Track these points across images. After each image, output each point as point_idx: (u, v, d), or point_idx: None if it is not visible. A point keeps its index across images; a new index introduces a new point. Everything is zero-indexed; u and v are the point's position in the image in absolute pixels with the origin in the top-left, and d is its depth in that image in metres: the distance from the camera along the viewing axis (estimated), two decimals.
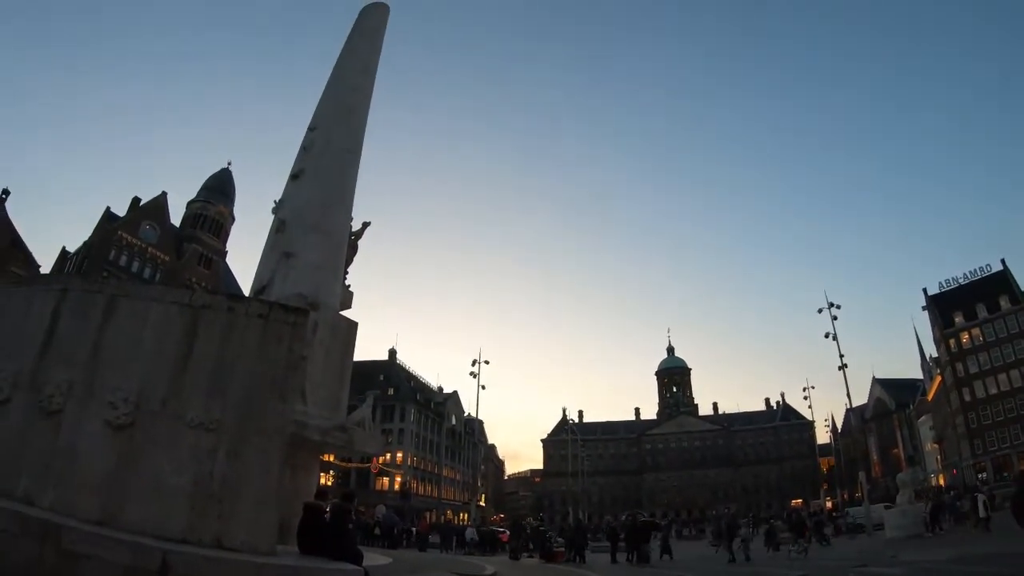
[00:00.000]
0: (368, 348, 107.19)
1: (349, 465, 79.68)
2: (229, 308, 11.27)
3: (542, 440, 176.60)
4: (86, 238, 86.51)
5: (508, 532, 48.47)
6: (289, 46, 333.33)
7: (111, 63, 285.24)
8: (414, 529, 47.72)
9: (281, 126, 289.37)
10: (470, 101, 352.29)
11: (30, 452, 10.92)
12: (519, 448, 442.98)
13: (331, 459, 62.34)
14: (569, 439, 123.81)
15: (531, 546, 38.50)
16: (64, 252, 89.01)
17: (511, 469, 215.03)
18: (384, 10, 21.18)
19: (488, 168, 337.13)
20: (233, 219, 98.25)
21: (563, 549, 34.25)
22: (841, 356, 53.29)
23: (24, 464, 10.90)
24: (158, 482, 9.93)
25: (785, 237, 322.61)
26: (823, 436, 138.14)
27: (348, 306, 17.06)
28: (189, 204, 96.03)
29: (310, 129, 18.78)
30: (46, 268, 72.72)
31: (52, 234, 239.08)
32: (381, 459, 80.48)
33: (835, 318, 53.19)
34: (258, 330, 10.88)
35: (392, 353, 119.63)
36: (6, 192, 71.18)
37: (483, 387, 64.24)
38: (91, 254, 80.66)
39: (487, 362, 64.63)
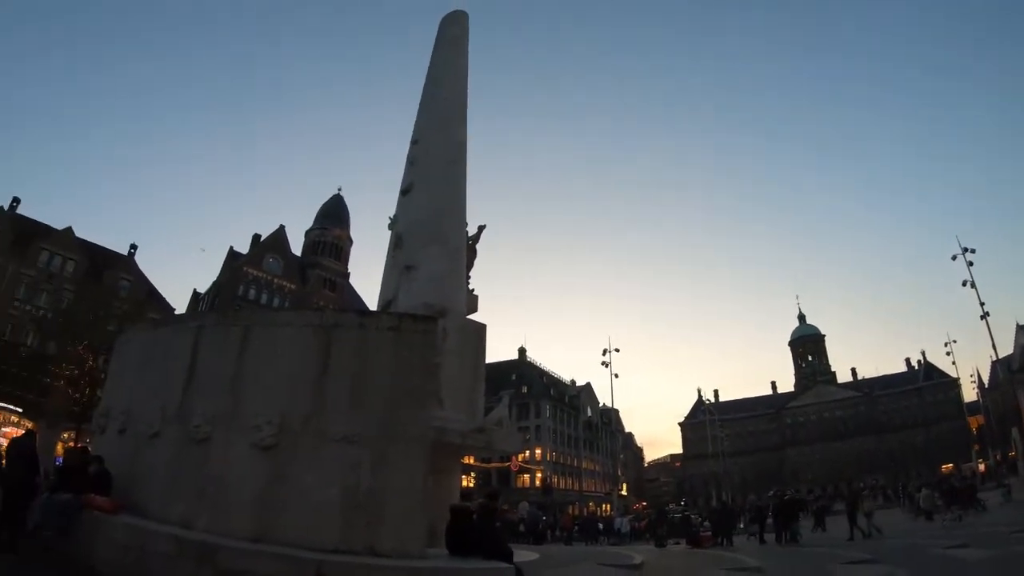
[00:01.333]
0: (498, 349, 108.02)
1: (489, 465, 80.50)
2: (360, 324, 11.64)
3: (679, 423, 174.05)
4: (214, 278, 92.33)
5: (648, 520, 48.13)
6: (382, 60, 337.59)
7: (208, 114, 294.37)
8: (558, 523, 47.83)
9: (386, 141, 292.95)
10: (580, 88, 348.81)
11: (184, 479, 11.56)
12: (657, 434, 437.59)
13: (471, 461, 63.09)
14: (707, 420, 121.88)
15: (665, 531, 38.16)
16: (196, 293, 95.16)
17: (650, 456, 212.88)
18: (463, 18, 21.32)
19: (603, 154, 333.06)
20: (351, 241, 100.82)
21: (709, 533, 33.63)
22: (982, 304, 50.14)
23: (179, 490, 11.56)
24: (307, 496, 10.27)
25: (910, 183, 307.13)
26: (970, 393, 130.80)
27: (474, 310, 17.21)
28: (307, 233, 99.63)
29: (413, 142, 19.11)
30: (180, 311, 76.24)
31: (181, 279, 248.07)
32: (520, 457, 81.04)
33: (971, 264, 50.25)
34: (390, 342, 11.15)
35: (522, 352, 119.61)
36: (134, 247, 78.21)
37: (616, 375, 63.97)
38: (221, 292, 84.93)
39: (617, 350, 64.36)
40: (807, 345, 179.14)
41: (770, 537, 31.38)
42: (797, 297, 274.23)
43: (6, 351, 62.98)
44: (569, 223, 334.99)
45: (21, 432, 54.60)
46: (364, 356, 11.05)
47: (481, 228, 18.88)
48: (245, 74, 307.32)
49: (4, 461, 13.65)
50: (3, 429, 61.45)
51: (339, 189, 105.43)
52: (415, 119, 19.79)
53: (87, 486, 12.30)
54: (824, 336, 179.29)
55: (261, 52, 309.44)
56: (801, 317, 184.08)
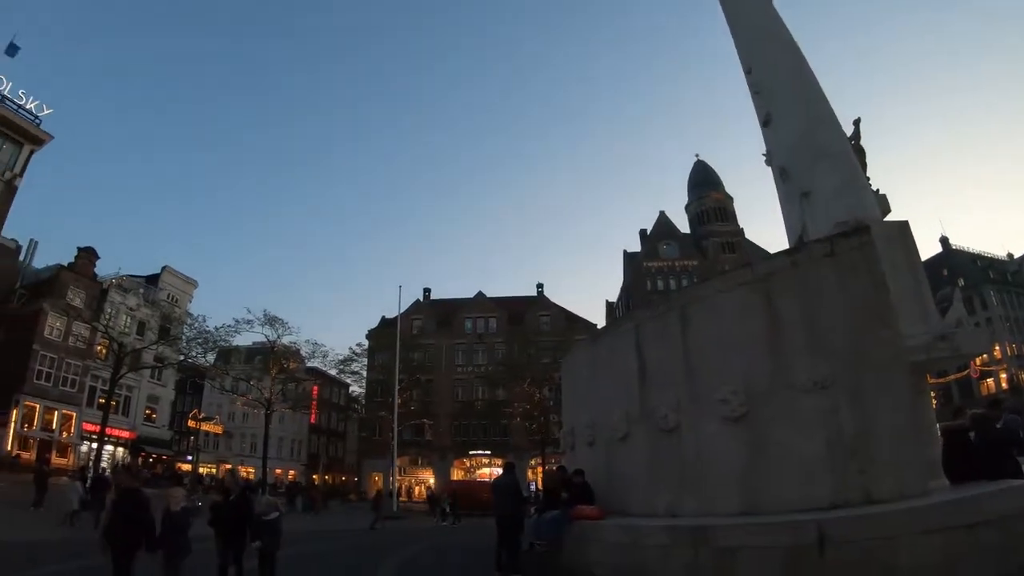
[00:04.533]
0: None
1: (946, 379, 73.40)
2: (793, 263, 10.97)
3: None
4: (620, 285, 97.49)
5: None
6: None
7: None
8: None
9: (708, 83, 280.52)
10: None
11: (661, 471, 11.72)
12: None
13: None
14: None
15: None
16: (608, 304, 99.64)
17: None
18: None
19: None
20: (731, 199, 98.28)
21: None
22: None
23: (659, 483, 11.73)
24: (789, 457, 9.82)
25: None
26: None
27: (888, 210, 15.63)
28: (687, 208, 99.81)
29: (747, 73, 18.26)
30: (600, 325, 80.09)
31: (591, 295, 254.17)
32: (978, 361, 72.92)
33: None
34: (829, 269, 10.46)
35: (944, 241, 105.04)
36: (540, 286, 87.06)
37: None
38: (631, 294, 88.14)
39: None
40: None
41: None
42: None
43: (464, 409, 73.80)
44: (958, 81, 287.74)
45: (493, 473, 61.34)
46: (807, 294, 10.45)
47: (857, 122, 17.29)
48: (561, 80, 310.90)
49: (492, 497, 14.58)
50: (479, 471, 69.27)
51: (696, 155, 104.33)
52: (736, 50, 18.89)
53: (572, 499, 13.00)
54: None
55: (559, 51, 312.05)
56: None
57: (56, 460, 45.25)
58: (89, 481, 26.71)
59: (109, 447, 53.25)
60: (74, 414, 55.64)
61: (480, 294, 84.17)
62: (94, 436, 48.47)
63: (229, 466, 58.92)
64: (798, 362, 10.01)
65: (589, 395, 15.14)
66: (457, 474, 71.61)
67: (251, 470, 71.93)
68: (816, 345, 10.02)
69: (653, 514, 11.51)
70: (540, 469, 57.82)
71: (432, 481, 69.54)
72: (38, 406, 52.51)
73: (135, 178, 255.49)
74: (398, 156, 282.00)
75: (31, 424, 51.93)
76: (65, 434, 54.76)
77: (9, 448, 49.13)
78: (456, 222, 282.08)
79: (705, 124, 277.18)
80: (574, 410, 16.50)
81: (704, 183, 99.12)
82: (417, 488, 71.51)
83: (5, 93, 48.26)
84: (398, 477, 56.83)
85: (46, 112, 50.90)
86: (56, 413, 53.95)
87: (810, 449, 9.67)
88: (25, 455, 48.53)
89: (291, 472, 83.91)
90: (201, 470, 65.59)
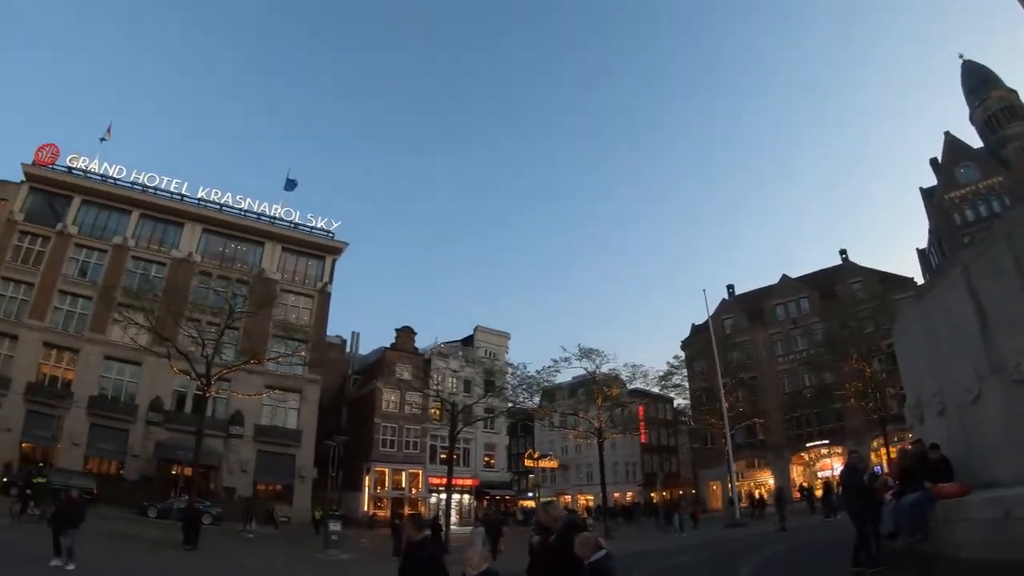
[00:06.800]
0: None
1: None
2: None
3: None
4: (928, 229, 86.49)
5: None
6: None
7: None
8: None
9: None
10: None
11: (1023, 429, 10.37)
12: None
13: None
14: None
15: None
16: (919, 251, 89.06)
17: None
18: None
19: None
20: (1015, 92, 78.02)
21: None
22: None
23: (1022, 443, 10.40)
24: None
25: None
26: None
27: None
28: (971, 118, 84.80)
29: None
30: (918, 279, 73.45)
31: (899, 247, 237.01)
32: None
33: None
34: None
35: None
36: (843, 251, 79.06)
37: None
38: (941, 235, 77.52)
39: None
40: None
41: None
42: None
43: (792, 401, 70.81)
44: None
45: (834, 462, 58.69)
46: None
47: None
48: None
49: (839, 491, 14.02)
50: (820, 462, 67.26)
51: (961, 56, 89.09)
52: None
53: (930, 478, 11.92)
54: None
55: None
56: None
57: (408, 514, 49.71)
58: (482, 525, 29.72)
59: (456, 495, 59.79)
60: (419, 471, 64.91)
61: (784, 277, 79.05)
62: (440, 488, 56.15)
63: (540, 499, 60.72)
64: None
65: (928, 359, 13.99)
66: (796, 471, 69.34)
67: (590, 497, 78.22)
68: None
69: (1022, 481, 10.16)
70: (884, 451, 53.42)
71: (772, 482, 67.34)
72: (386, 469, 64.05)
73: (428, 251, 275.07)
74: (685, 170, 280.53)
75: (382, 486, 62.66)
76: (414, 490, 64.36)
77: (365, 508, 59.66)
78: (749, 214, 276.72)
79: (957, 21, 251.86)
80: (916, 379, 15.37)
81: (981, 84, 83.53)
82: (757, 490, 67.10)
83: (297, 221, 59.31)
84: (736, 482, 55.92)
85: (335, 225, 61.52)
86: (403, 473, 64.24)
87: None
88: (380, 513, 58.29)
89: (629, 493, 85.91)
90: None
